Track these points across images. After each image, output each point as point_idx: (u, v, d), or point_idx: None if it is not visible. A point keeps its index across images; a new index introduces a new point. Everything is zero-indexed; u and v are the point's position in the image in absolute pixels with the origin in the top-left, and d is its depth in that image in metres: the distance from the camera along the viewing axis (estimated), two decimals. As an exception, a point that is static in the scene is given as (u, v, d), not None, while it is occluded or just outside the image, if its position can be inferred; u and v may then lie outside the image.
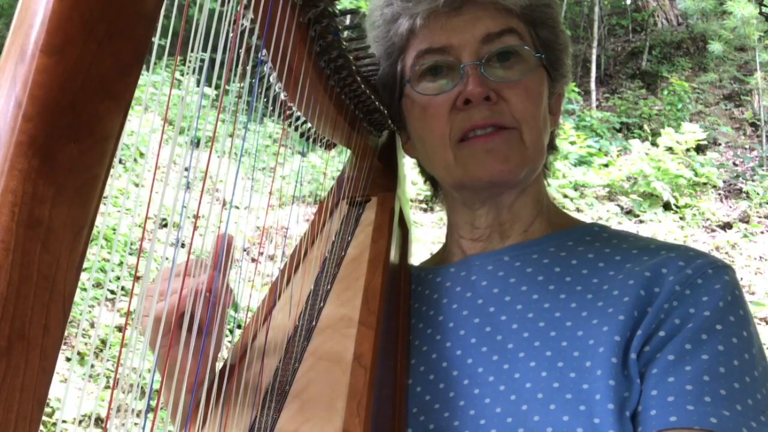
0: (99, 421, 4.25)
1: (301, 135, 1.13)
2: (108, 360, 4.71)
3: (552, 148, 1.17)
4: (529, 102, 1.04)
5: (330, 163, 1.29)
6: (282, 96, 0.98)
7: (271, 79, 0.93)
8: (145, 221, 0.65)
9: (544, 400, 0.88)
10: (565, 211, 1.20)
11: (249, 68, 0.84)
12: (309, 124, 1.10)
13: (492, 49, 1.04)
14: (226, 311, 0.91)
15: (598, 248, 1.05)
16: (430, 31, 1.06)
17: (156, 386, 0.81)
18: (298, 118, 1.09)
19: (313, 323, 0.99)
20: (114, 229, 5.25)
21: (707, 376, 0.87)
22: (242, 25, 0.80)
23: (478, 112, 1.02)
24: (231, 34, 0.69)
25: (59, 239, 0.43)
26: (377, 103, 1.17)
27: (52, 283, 0.43)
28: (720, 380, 0.87)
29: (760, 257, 8.01)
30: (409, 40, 1.08)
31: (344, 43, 0.98)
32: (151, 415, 0.67)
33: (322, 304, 1.02)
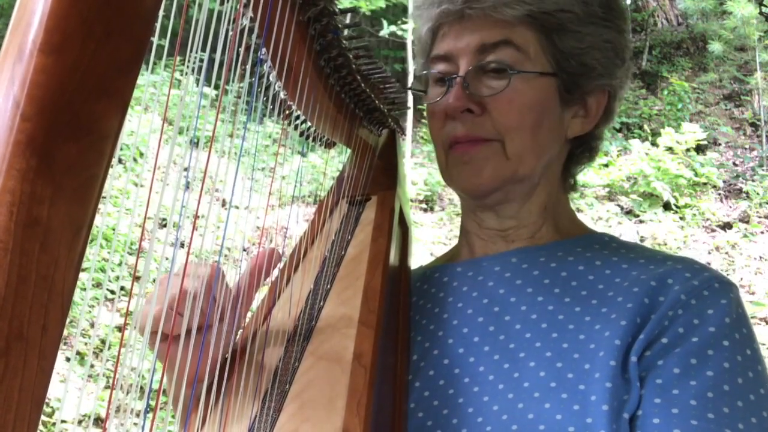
0: (99, 421, 4.25)
1: (301, 134, 1.13)
2: (108, 360, 4.71)
3: (589, 150, 1.16)
4: (513, 113, 1.03)
5: (330, 164, 1.29)
6: (282, 95, 0.98)
7: (270, 78, 0.93)
8: (144, 221, 0.65)
9: (539, 399, 0.89)
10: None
11: (248, 67, 0.83)
12: (309, 123, 1.10)
13: (483, 60, 1.05)
14: (235, 314, 0.91)
15: (606, 256, 1.05)
16: (442, 38, 1.09)
17: (155, 386, 0.81)
18: (297, 117, 1.09)
19: (313, 323, 0.98)
20: (114, 229, 5.25)
21: (711, 392, 0.88)
22: (242, 23, 0.79)
23: (461, 125, 1.05)
24: (231, 33, 0.69)
25: (58, 239, 0.43)
26: (377, 101, 1.17)
27: (50, 283, 0.43)
28: (724, 398, 0.88)
29: (760, 257, 8.01)
30: (431, 47, 1.12)
31: (344, 41, 0.98)
32: (150, 415, 0.67)
33: (321, 304, 1.02)
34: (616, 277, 1.00)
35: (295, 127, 1.11)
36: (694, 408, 0.87)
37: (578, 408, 0.87)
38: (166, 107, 0.57)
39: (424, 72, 1.12)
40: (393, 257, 1.10)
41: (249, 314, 1.01)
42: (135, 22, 0.44)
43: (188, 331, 0.83)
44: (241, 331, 1.03)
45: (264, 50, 0.85)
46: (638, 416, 0.89)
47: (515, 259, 1.08)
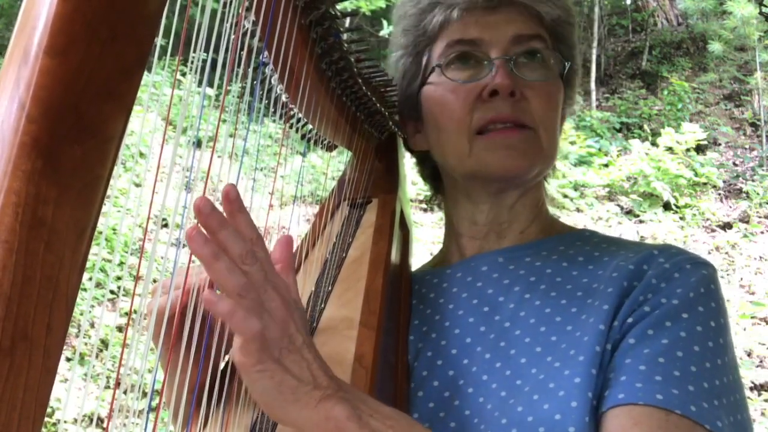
0: (99, 421, 4.25)
1: (302, 137, 1.13)
2: (109, 360, 4.71)
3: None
4: (549, 106, 1.07)
5: (330, 164, 1.29)
6: (283, 98, 0.98)
7: (272, 81, 0.93)
8: (147, 221, 0.65)
9: (529, 392, 0.90)
10: (563, 212, 1.22)
11: (250, 70, 0.84)
12: (310, 126, 1.10)
13: (520, 50, 1.07)
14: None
15: (588, 251, 1.07)
16: (463, 24, 1.09)
17: (157, 386, 0.81)
18: (299, 120, 1.09)
19: (314, 324, 0.99)
20: (114, 230, 5.26)
21: (663, 358, 0.88)
22: (244, 26, 0.80)
23: (503, 106, 1.04)
24: (233, 36, 0.70)
25: (62, 240, 0.43)
26: (378, 104, 1.17)
27: (55, 284, 0.43)
28: (675, 362, 0.87)
29: (760, 257, 8.00)
30: (441, 31, 1.11)
31: (345, 45, 0.99)
32: (152, 415, 0.67)
33: (323, 306, 1.02)
34: (598, 269, 1.02)
35: (297, 130, 1.11)
36: (641, 372, 0.86)
37: (563, 394, 0.88)
38: (169, 109, 0.57)
39: (447, 55, 1.09)
40: (394, 259, 1.10)
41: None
42: (139, 25, 0.44)
43: (192, 334, 0.83)
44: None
45: (266, 53, 0.85)
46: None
47: (502, 258, 1.09)
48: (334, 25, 0.93)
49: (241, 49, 0.80)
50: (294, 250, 1.18)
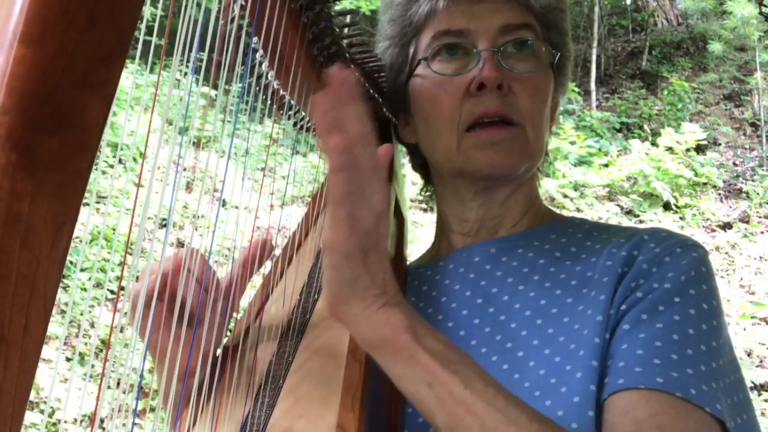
0: (100, 421, 4.24)
1: (294, 125, 1.12)
2: (106, 360, 4.69)
3: (545, 153, 1.18)
4: (536, 99, 1.06)
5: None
6: (275, 84, 0.96)
7: (263, 67, 0.92)
8: (132, 219, 0.63)
9: (529, 388, 0.89)
10: (563, 212, 1.21)
11: (239, 56, 0.81)
12: (303, 113, 1.08)
13: (508, 39, 1.05)
14: (227, 304, 0.90)
15: (580, 240, 1.06)
16: (450, 14, 1.07)
17: (152, 386, 0.79)
18: (291, 107, 1.07)
19: (307, 317, 0.97)
20: (114, 229, 5.25)
21: (659, 341, 0.87)
22: (232, 12, 0.78)
23: (490, 100, 1.02)
24: (221, 22, 0.68)
25: (39, 236, 0.42)
26: (371, 90, 1.15)
27: (32, 282, 0.42)
28: (672, 346, 0.87)
29: (760, 257, 7.99)
30: (427, 21, 1.09)
31: (337, 29, 0.97)
32: (151, 415, 0.65)
33: (316, 297, 1.01)
34: (591, 257, 1.00)
35: (288, 117, 1.09)
36: (639, 357, 0.86)
37: (566, 390, 0.87)
38: (153, 103, 0.56)
39: (433, 46, 1.07)
40: (389, 248, 1.09)
41: (241, 308, 0.99)
42: (119, 11, 0.42)
43: (179, 321, 0.82)
44: (233, 324, 1.01)
45: (255, 39, 0.83)
46: None
47: (494, 249, 1.07)
48: (325, 9, 0.91)
49: (230, 34, 0.78)
50: (286, 242, 1.16)
